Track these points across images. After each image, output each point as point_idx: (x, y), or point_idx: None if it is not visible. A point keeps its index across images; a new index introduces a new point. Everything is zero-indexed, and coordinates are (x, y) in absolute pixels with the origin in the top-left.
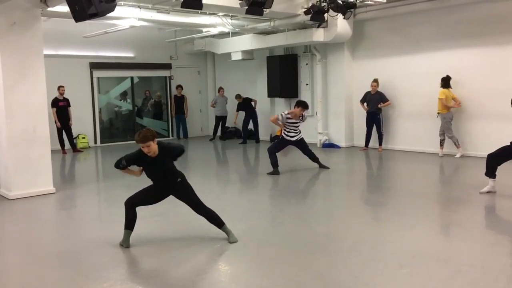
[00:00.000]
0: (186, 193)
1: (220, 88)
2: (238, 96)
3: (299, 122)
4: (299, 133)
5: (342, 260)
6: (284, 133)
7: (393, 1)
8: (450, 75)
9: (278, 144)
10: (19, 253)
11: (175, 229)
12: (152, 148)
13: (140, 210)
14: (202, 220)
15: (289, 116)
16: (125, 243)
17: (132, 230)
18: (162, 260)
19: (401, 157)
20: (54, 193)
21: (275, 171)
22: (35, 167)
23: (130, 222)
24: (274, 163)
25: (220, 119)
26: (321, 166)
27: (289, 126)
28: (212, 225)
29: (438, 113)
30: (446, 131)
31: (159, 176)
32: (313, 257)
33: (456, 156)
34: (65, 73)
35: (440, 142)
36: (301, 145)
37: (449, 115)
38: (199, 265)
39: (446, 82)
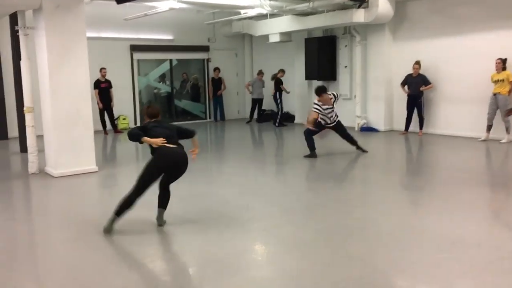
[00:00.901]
0: None
1: (260, 72)
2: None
3: (332, 108)
4: (336, 117)
5: (380, 245)
6: (320, 120)
7: None
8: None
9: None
10: (63, 228)
11: (213, 209)
12: None
13: (178, 190)
14: (240, 201)
15: (325, 106)
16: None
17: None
18: (200, 239)
19: (442, 141)
20: (96, 171)
21: (312, 154)
22: (78, 147)
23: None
24: (311, 146)
25: (257, 102)
26: (359, 149)
27: (323, 114)
28: (248, 207)
29: (496, 94)
30: (505, 114)
31: None
32: (350, 241)
33: (502, 141)
34: (106, 55)
35: (488, 127)
36: (338, 128)
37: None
38: (235, 245)
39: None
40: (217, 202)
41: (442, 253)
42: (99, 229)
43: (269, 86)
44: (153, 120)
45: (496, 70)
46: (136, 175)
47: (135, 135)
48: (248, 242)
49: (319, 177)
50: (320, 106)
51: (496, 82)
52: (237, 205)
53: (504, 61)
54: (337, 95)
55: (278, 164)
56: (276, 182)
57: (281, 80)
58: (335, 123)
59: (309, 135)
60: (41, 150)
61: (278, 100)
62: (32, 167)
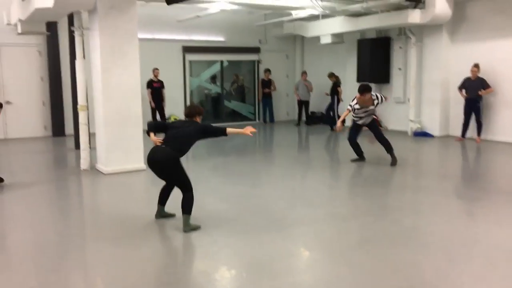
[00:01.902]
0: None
1: (303, 73)
2: (330, 76)
3: (367, 111)
4: (369, 117)
5: (428, 255)
6: (353, 118)
7: None
8: None
9: (352, 130)
10: (110, 224)
11: (256, 211)
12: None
13: (221, 191)
14: (284, 205)
15: (358, 106)
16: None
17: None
18: (241, 241)
19: (502, 149)
20: (144, 170)
21: (360, 158)
22: (128, 145)
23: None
24: (357, 151)
25: (303, 104)
26: (391, 155)
27: (357, 114)
28: (292, 210)
29: None
30: None
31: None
32: (396, 250)
33: None
34: (160, 56)
35: None
36: (372, 128)
37: None
38: (277, 248)
39: None
40: (260, 205)
41: (495, 268)
42: (142, 226)
43: (317, 87)
44: (186, 119)
45: None
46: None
47: (148, 129)
48: (289, 246)
49: (367, 183)
50: (352, 106)
51: None
52: (280, 208)
53: None
54: (382, 98)
55: (325, 168)
56: (322, 186)
57: (336, 84)
58: (367, 122)
59: (352, 141)
60: (93, 148)
61: (334, 105)
62: (84, 163)
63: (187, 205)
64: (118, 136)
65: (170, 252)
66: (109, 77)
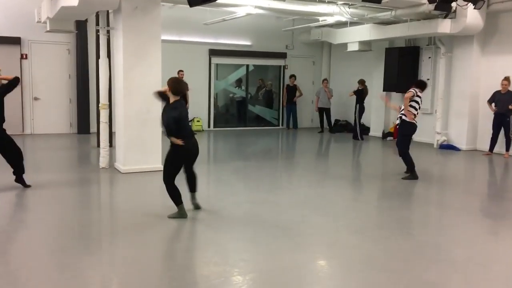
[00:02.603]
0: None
1: (324, 80)
2: (361, 82)
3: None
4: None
5: (446, 276)
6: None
7: None
8: None
9: (403, 137)
10: (127, 220)
11: (274, 220)
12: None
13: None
14: (296, 213)
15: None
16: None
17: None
18: (252, 248)
19: None
20: (161, 170)
21: (413, 175)
22: (146, 145)
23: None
24: (411, 164)
25: (324, 111)
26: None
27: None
28: (307, 219)
29: None
30: None
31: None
32: (412, 267)
33: None
34: (186, 58)
35: None
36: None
37: None
38: (287, 258)
39: None
40: (274, 212)
41: None
42: (153, 225)
43: (339, 94)
44: (179, 98)
45: None
46: (200, 177)
47: (170, 133)
48: (300, 256)
49: (386, 195)
50: (420, 103)
51: None
52: (294, 217)
53: None
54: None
55: (344, 178)
56: (339, 196)
57: (363, 91)
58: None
59: (405, 152)
60: (114, 146)
61: (357, 113)
62: (103, 161)
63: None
64: (137, 136)
65: (177, 254)
66: (131, 77)
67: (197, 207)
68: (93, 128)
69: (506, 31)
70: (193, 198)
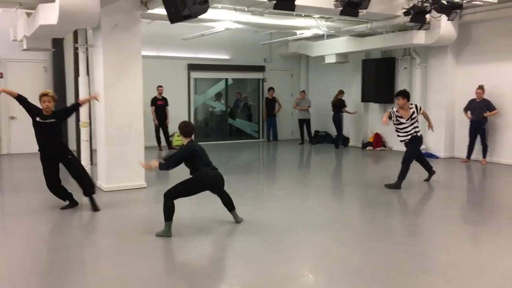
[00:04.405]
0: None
1: (302, 91)
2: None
3: (408, 122)
4: (407, 137)
5: (430, 283)
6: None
7: (505, 2)
8: None
9: (413, 150)
10: (110, 242)
11: (256, 232)
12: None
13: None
14: (282, 226)
15: (398, 114)
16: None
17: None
18: (239, 262)
19: (507, 172)
20: (145, 187)
21: (397, 184)
22: (129, 162)
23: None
24: (403, 176)
25: (303, 122)
26: (429, 178)
27: (396, 125)
28: (293, 232)
29: None
30: None
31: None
32: (399, 276)
33: None
34: (164, 74)
35: None
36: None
37: None
38: (275, 271)
39: None
40: (260, 225)
41: None
42: (138, 242)
43: (317, 105)
44: (190, 140)
45: None
46: None
47: (168, 168)
48: (294, 270)
49: (370, 205)
50: (395, 113)
51: None
52: (280, 230)
53: None
54: (419, 108)
55: (328, 189)
56: (324, 208)
57: (343, 102)
58: (404, 141)
59: (409, 163)
60: (95, 164)
61: (339, 122)
62: None
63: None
64: (119, 153)
65: (161, 270)
66: (112, 94)
67: (238, 220)
68: (72, 146)
69: (479, 41)
70: (234, 216)
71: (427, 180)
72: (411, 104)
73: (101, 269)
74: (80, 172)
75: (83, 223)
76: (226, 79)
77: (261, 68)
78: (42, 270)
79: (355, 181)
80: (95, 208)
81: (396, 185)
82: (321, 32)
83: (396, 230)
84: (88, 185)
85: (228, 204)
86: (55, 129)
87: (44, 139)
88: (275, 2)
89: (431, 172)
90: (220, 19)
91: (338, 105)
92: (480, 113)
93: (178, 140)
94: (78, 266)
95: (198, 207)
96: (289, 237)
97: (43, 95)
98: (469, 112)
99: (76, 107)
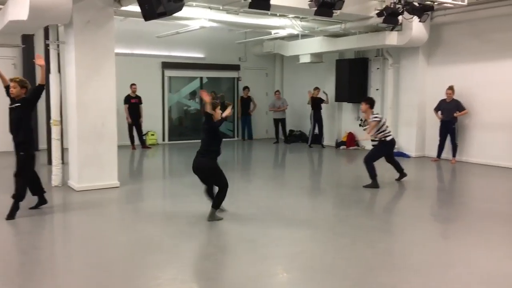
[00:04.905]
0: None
1: (276, 91)
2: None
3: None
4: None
5: (403, 279)
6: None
7: (474, 4)
8: None
9: (377, 151)
10: (81, 244)
11: (231, 231)
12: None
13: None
14: (257, 224)
15: (362, 118)
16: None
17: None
18: (215, 262)
19: (476, 170)
20: (118, 187)
21: (374, 184)
22: (101, 161)
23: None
24: (373, 174)
25: (279, 121)
26: (400, 178)
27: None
28: (268, 231)
29: None
30: None
31: None
32: (371, 273)
33: None
34: (138, 72)
35: None
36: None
37: None
38: (251, 270)
39: None
40: (235, 224)
41: None
42: (111, 244)
43: (291, 105)
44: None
45: None
46: (157, 192)
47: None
48: (269, 268)
49: (344, 204)
50: (377, 116)
51: None
52: (260, 230)
53: None
54: (381, 120)
55: (303, 188)
56: (298, 206)
57: (320, 98)
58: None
59: (369, 162)
60: (66, 163)
61: (314, 119)
62: (55, 179)
63: (216, 200)
64: (92, 152)
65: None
66: (84, 92)
67: (209, 219)
68: (42, 145)
69: (449, 42)
70: (209, 213)
71: (398, 179)
72: (377, 115)
73: (72, 270)
74: (19, 174)
75: (54, 224)
76: (201, 78)
77: (236, 67)
78: (11, 272)
79: (329, 180)
80: (9, 216)
81: (374, 185)
82: (295, 32)
83: (369, 228)
84: (18, 190)
85: (211, 197)
86: (17, 115)
87: (10, 126)
88: (250, 1)
89: (402, 174)
90: (195, 17)
91: (318, 102)
92: (450, 113)
93: (152, 139)
94: (48, 268)
95: (171, 204)
96: (264, 236)
97: (10, 80)
98: (439, 112)
99: (38, 87)
